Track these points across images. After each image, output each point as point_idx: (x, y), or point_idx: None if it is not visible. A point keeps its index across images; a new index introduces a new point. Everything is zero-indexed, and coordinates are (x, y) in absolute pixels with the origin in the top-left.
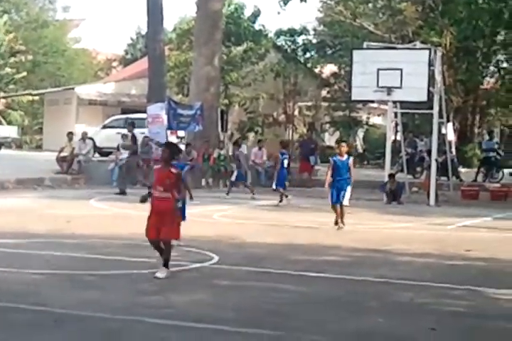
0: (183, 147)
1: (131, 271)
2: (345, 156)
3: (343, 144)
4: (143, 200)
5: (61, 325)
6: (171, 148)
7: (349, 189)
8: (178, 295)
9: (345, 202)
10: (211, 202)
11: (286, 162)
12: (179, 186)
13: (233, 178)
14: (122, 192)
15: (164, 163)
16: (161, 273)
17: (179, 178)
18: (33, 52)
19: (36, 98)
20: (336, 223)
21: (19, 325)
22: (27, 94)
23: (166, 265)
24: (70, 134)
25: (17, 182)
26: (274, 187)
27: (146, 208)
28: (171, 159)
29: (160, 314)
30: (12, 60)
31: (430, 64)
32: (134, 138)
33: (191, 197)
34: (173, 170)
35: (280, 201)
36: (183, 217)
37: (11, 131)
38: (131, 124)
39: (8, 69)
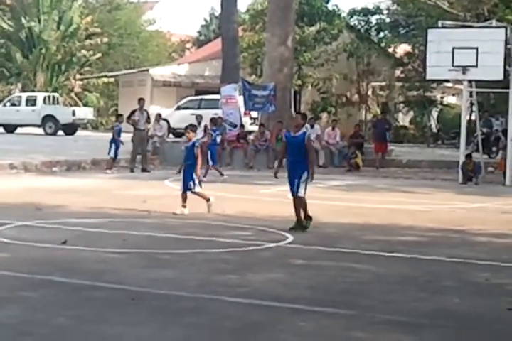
0: (255, 128)
1: (206, 250)
2: (301, 131)
3: (298, 116)
4: None
5: (138, 302)
6: None
7: (305, 176)
8: (253, 274)
9: (301, 193)
10: (285, 183)
11: (218, 138)
12: None
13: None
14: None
15: None
16: None
17: None
18: (108, 35)
19: (111, 80)
20: (307, 217)
21: (97, 302)
22: (102, 76)
23: None
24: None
25: (93, 162)
26: (210, 163)
27: (221, 189)
28: None
29: (235, 292)
30: (87, 42)
31: (507, 42)
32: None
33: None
34: None
35: (221, 175)
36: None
37: (87, 113)
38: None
39: (84, 52)
